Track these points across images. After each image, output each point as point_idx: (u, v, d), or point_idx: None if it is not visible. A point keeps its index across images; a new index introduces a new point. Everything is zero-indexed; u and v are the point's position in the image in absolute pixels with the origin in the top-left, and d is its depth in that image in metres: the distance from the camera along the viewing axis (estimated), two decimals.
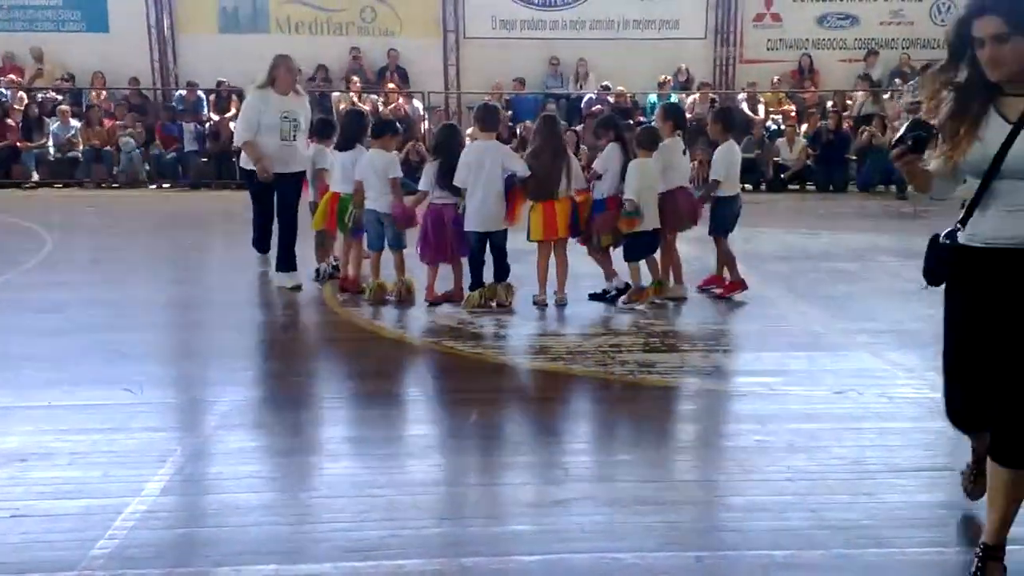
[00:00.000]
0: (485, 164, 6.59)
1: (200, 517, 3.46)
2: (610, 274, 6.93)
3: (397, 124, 8.15)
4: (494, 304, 6.65)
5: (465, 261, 6.81)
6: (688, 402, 4.98)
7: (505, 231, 6.75)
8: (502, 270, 6.75)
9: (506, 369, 5.51)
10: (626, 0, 17.12)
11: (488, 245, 6.74)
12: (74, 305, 6.81)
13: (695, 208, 7.00)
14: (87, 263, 8.88)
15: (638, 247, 6.80)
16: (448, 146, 6.81)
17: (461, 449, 4.18)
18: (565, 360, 5.50)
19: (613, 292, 6.87)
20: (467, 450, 4.17)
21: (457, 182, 6.65)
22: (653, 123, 7.45)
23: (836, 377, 5.15)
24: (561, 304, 6.80)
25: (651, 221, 6.73)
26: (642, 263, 6.83)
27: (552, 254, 6.82)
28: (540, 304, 6.78)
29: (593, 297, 6.91)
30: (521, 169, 6.69)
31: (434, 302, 6.71)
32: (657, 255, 6.92)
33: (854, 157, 15.02)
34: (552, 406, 4.84)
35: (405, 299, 6.84)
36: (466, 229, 6.68)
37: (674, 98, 16.36)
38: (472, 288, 6.72)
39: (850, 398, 4.80)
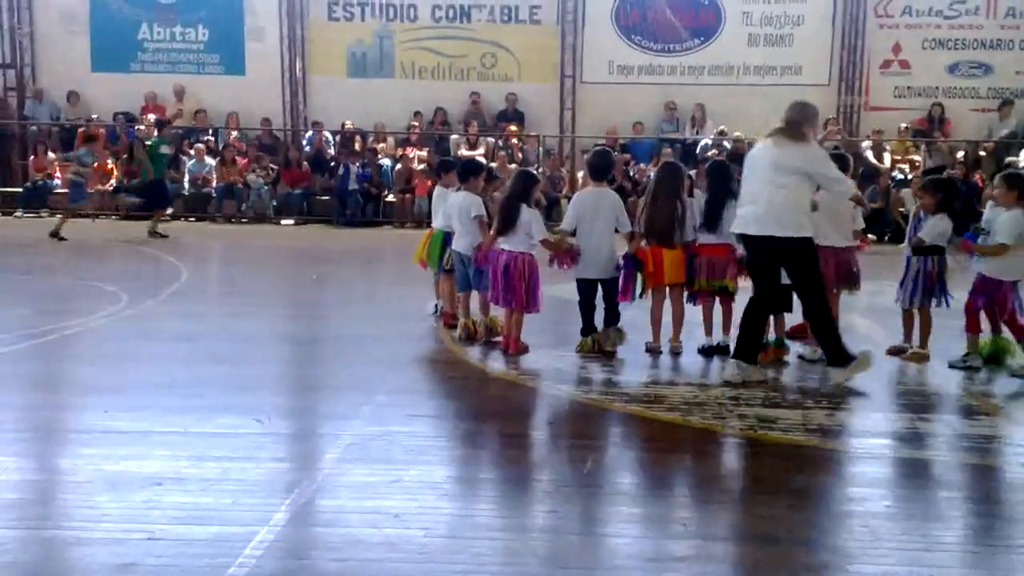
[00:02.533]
0: (600, 211, 6.61)
1: (325, 550, 3.53)
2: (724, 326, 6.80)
3: (483, 165, 8.23)
4: (605, 349, 6.61)
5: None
6: (812, 461, 4.81)
7: (616, 279, 6.69)
8: (612, 315, 6.70)
9: (622, 416, 5.46)
10: (747, 45, 17.02)
11: (600, 291, 6.70)
12: (207, 336, 7.14)
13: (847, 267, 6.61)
14: (219, 295, 9.29)
15: None
16: (522, 193, 6.64)
17: (577, 496, 4.15)
18: (682, 411, 5.42)
19: (715, 345, 6.73)
20: (583, 498, 4.14)
21: (565, 226, 6.75)
22: None
23: (970, 440, 4.91)
24: (676, 352, 6.73)
25: None
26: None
27: (668, 301, 6.77)
28: (654, 351, 6.73)
29: (703, 352, 6.75)
30: (625, 225, 6.71)
31: (516, 351, 6.60)
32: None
33: (982, 210, 14.36)
34: (669, 458, 4.76)
35: (487, 339, 6.90)
36: (577, 277, 6.69)
37: None
38: (583, 333, 6.70)
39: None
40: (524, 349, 6.62)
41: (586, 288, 6.69)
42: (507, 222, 6.53)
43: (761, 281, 6.02)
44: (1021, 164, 14.46)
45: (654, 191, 6.79)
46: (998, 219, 6.37)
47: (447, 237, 7.35)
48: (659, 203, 6.69)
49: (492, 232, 6.66)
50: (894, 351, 6.67)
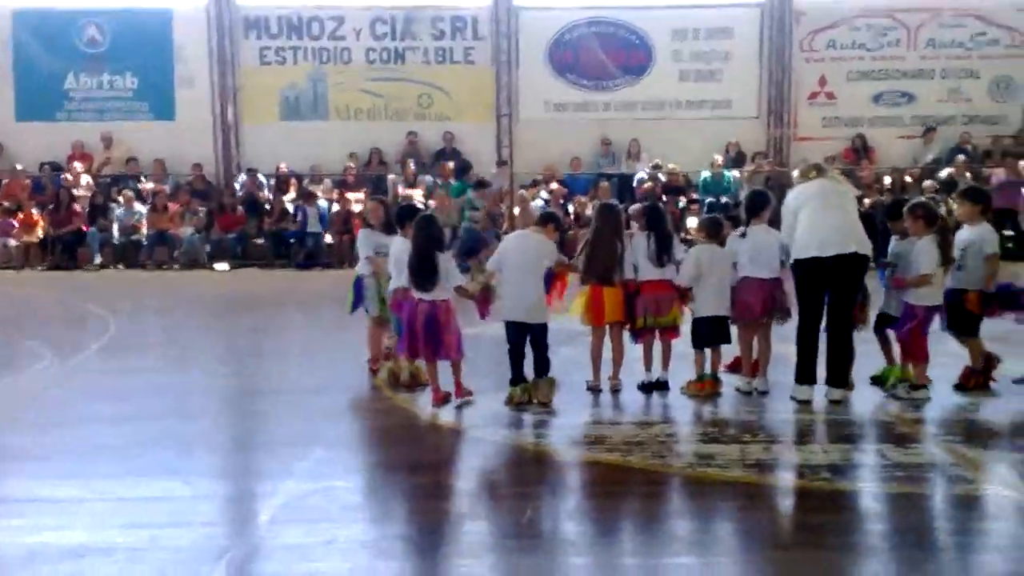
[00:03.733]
0: (527, 252, 6.49)
1: None
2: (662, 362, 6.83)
3: (420, 209, 7.79)
4: (536, 402, 6.36)
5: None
6: (750, 498, 4.80)
7: (545, 324, 6.46)
8: (543, 364, 6.45)
9: (561, 461, 5.42)
10: (678, 81, 17.36)
11: (528, 337, 6.46)
12: (136, 393, 6.92)
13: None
14: (148, 348, 9.04)
15: (698, 334, 6.71)
16: (434, 240, 6.42)
17: (517, 549, 4.09)
18: (622, 451, 5.40)
19: (655, 381, 6.75)
20: (524, 551, 4.07)
21: (490, 267, 6.66)
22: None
23: (905, 471, 4.97)
24: (616, 390, 6.73)
25: (711, 308, 6.65)
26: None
27: (608, 338, 6.77)
28: (594, 389, 6.72)
29: (642, 388, 6.78)
30: (555, 264, 6.62)
31: (437, 403, 6.40)
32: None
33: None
34: (611, 503, 4.72)
35: (410, 385, 6.80)
36: (505, 320, 6.49)
37: (728, 174, 16.46)
38: (512, 383, 6.44)
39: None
40: (447, 400, 6.40)
41: (514, 331, 6.45)
42: (426, 274, 6.30)
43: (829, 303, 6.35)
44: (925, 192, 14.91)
45: (594, 232, 6.78)
46: (914, 250, 6.52)
47: (358, 282, 7.28)
48: (599, 244, 6.70)
49: (411, 285, 6.41)
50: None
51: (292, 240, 15.92)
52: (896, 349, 6.75)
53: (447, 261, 6.44)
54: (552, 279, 6.67)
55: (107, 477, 4.95)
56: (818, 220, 6.28)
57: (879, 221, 8.16)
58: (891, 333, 6.73)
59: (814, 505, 4.65)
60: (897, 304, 6.67)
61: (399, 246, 6.84)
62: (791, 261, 6.44)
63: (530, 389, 6.43)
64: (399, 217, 7.13)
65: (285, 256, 15.83)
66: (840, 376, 6.38)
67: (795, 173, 6.81)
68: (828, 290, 6.30)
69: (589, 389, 6.73)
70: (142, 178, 17.04)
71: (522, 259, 6.48)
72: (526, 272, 6.45)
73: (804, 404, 6.31)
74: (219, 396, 7.06)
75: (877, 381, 6.80)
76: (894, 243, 6.88)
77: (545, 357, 6.46)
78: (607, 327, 6.77)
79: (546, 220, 6.86)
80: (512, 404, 6.38)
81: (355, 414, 6.55)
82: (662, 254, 6.69)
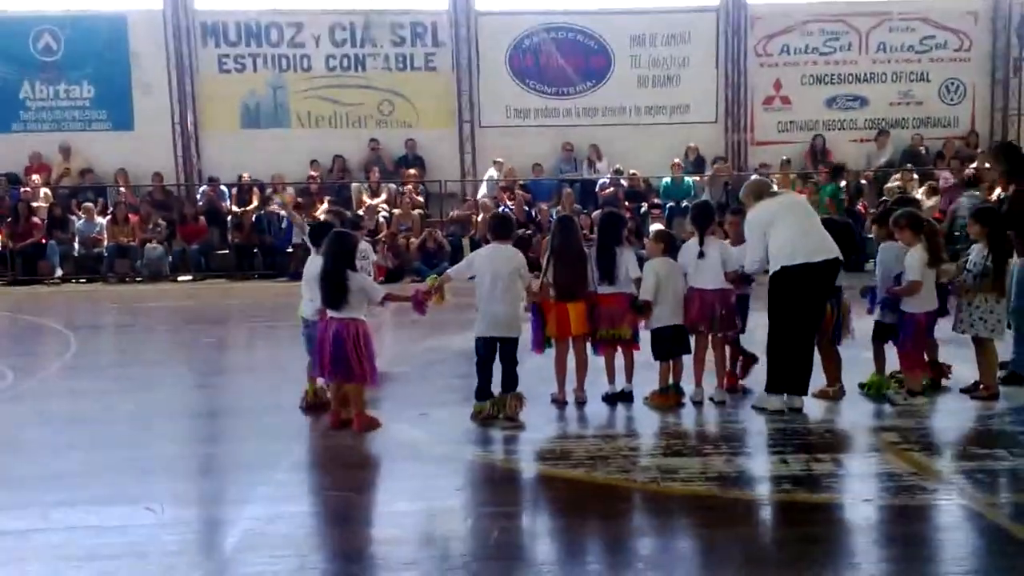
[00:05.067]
0: (500, 268, 6.44)
1: None
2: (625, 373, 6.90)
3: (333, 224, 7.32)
4: (502, 417, 6.34)
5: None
6: (714, 512, 4.87)
7: (516, 339, 6.46)
8: (511, 380, 6.43)
9: (526, 478, 5.46)
10: (637, 87, 17.50)
11: (497, 352, 6.44)
12: (97, 416, 6.85)
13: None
14: (111, 367, 8.93)
15: (658, 345, 6.79)
16: (343, 256, 6.19)
17: (486, 571, 4.12)
18: (587, 466, 5.45)
19: (619, 392, 6.83)
20: (494, 572, 4.10)
21: (452, 272, 6.63)
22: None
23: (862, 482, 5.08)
24: (580, 402, 6.78)
25: (668, 318, 6.72)
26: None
27: (572, 351, 6.80)
28: (559, 402, 6.76)
29: (607, 399, 6.84)
30: (526, 278, 6.56)
31: (334, 426, 6.30)
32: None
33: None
34: (576, 521, 4.76)
35: (312, 406, 6.70)
36: (475, 335, 6.49)
37: (688, 180, 16.63)
38: (479, 398, 6.43)
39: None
40: (373, 425, 6.23)
41: (485, 346, 6.46)
42: (336, 292, 6.10)
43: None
44: (894, 188, 15.20)
45: (554, 249, 6.77)
46: (905, 259, 6.63)
47: None
48: (562, 259, 6.70)
49: (322, 306, 6.28)
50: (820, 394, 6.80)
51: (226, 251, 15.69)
52: (889, 357, 6.89)
53: (361, 278, 6.23)
54: (538, 310, 6.66)
55: (65, 506, 4.89)
56: (800, 230, 6.43)
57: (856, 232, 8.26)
58: (886, 343, 6.87)
59: (778, 519, 4.73)
60: (892, 313, 6.76)
61: (311, 265, 6.67)
62: (774, 270, 6.46)
63: (497, 404, 6.41)
64: (312, 235, 6.87)
65: (250, 267, 15.72)
66: (804, 384, 6.50)
67: (743, 193, 6.86)
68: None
69: (554, 402, 6.78)
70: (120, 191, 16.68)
71: (495, 273, 6.41)
72: (499, 286, 6.39)
73: (782, 413, 6.40)
74: (180, 417, 7.00)
75: (864, 388, 6.94)
76: (880, 250, 7.02)
77: (514, 372, 6.46)
78: (571, 339, 6.80)
79: (660, 238, 6.95)
80: (478, 419, 6.39)
81: (317, 433, 6.48)
82: (606, 267, 6.74)
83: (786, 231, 6.43)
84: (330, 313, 6.22)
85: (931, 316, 6.71)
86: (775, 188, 6.97)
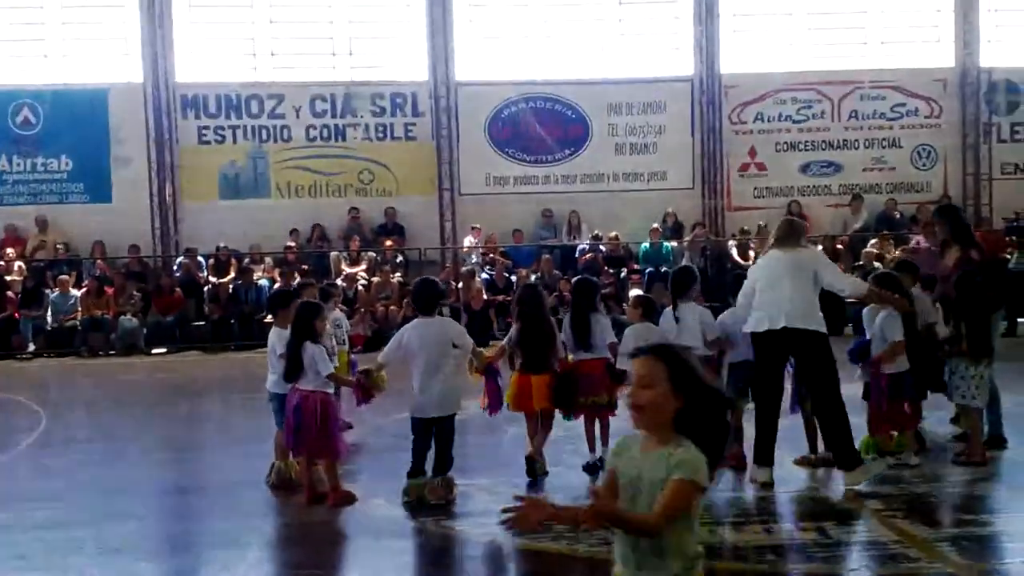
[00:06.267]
0: (429, 342, 6.04)
1: None
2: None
3: (292, 294, 7.33)
4: (430, 502, 5.96)
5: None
6: None
7: (453, 416, 6.12)
8: (443, 461, 6.06)
9: (509, 552, 5.32)
10: (615, 154, 17.73)
11: (434, 431, 6.08)
12: (67, 494, 6.65)
13: None
14: (81, 442, 8.73)
15: None
16: (303, 328, 6.06)
17: None
18: (568, 539, 5.32)
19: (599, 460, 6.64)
20: None
21: (383, 359, 6.23)
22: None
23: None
24: (540, 470, 6.46)
25: None
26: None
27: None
28: (537, 472, 6.44)
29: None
30: (467, 346, 6.24)
31: (308, 502, 6.09)
32: None
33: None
34: None
35: (279, 484, 6.43)
36: (411, 415, 6.13)
37: (667, 244, 16.73)
38: (410, 476, 6.05)
39: None
40: (348, 500, 6.01)
41: (419, 426, 6.07)
42: (291, 362, 6.00)
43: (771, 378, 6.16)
44: (871, 252, 15.35)
45: (518, 315, 6.58)
46: (882, 321, 6.53)
47: None
48: (526, 330, 6.50)
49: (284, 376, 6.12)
50: (801, 462, 6.68)
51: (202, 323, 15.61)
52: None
53: (312, 351, 6.02)
54: (489, 375, 6.43)
55: None
56: (767, 293, 6.15)
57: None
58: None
59: None
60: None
61: (272, 336, 6.57)
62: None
63: (425, 488, 6.01)
64: (270, 304, 6.79)
65: (227, 338, 15.56)
66: (843, 459, 6.10)
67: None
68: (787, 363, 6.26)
69: (528, 474, 6.43)
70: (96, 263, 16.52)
71: (426, 348, 6.03)
72: (432, 361, 6.01)
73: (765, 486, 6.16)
74: (150, 494, 6.81)
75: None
76: (865, 313, 6.90)
77: (447, 453, 6.09)
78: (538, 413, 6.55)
79: (638, 303, 6.93)
80: (408, 498, 6.01)
81: (289, 509, 6.26)
82: (580, 333, 6.66)
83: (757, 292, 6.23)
84: (294, 385, 6.07)
85: (902, 377, 6.54)
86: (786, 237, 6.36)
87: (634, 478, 2.74)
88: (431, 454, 6.11)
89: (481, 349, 6.40)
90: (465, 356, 6.35)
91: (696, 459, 2.65)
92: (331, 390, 6.15)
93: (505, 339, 6.57)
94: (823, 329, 6.08)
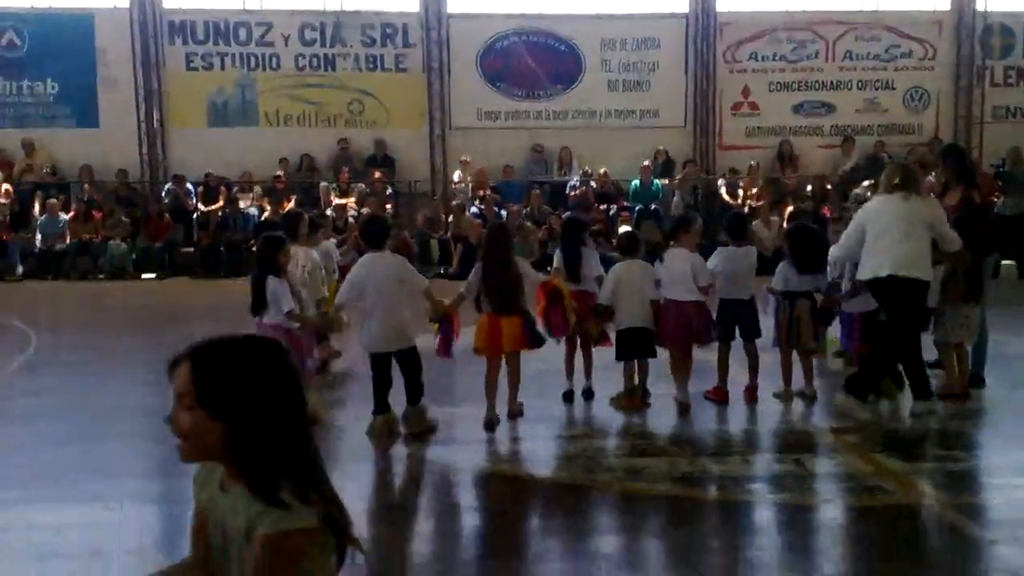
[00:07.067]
0: (379, 278, 6.00)
1: None
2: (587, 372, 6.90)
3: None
4: (403, 432, 6.01)
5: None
6: (678, 515, 4.91)
7: (413, 347, 6.05)
8: (413, 391, 6.07)
9: (489, 477, 5.46)
10: (608, 90, 17.58)
11: (397, 364, 6.07)
12: (58, 414, 6.74)
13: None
14: (72, 364, 8.80)
15: (621, 346, 6.76)
16: (266, 261, 6.13)
17: (445, 572, 4.12)
18: (551, 466, 5.46)
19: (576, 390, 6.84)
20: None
21: (340, 300, 6.21)
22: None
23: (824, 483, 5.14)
24: (515, 415, 6.32)
25: (632, 320, 6.67)
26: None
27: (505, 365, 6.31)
28: (489, 425, 6.13)
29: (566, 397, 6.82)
30: (418, 284, 6.16)
31: None
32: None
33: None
34: (540, 521, 4.77)
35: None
36: (368, 351, 6.10)
37: (657, 182, 16.71)
38: (375, 412, 6.05)
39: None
40: (312, 419, 6.04)
41: (377, 362, 6.07)
42: (255, 297, 6.07)
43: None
44: (865, 193, 15.36)
45: (483, 258, 6.31)
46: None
47: None
48: (490, 270, 6.18)
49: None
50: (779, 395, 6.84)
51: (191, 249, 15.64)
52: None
53: (274, 286, 6.02)
54: (445, 323, 6.21)
55: (20, 504, 4.82)
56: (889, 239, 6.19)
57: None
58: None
59: (739, 519, 4.78)
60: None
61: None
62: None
63: (393, 419, 6.05)
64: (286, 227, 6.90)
65: (215, 265, 15.56)
66: (919, 390, 6.37)
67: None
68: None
69: (485, 427, 6.14)
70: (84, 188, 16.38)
71: (376, 282, 6.00)
72: (384, 296, 5.98)
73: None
74: (142, 416, 6.90)
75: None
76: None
77: (417, 383, 6.08)
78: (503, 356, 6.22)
79: (623, 240, 6.97)
80: (372, 435, 6.01)
81: None
82: (570, 272, 6.73)
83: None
84: (265, 319, 6.07)
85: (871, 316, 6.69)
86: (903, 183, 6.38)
87: (219, 523, 2.01)
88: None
89: (443, 299, 6.23)
90: (414, 292, 6.19)
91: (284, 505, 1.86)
92: (295, 325, 6.11)
93: (464, 287, 6.30)
94: (929, 277, 6.29)
